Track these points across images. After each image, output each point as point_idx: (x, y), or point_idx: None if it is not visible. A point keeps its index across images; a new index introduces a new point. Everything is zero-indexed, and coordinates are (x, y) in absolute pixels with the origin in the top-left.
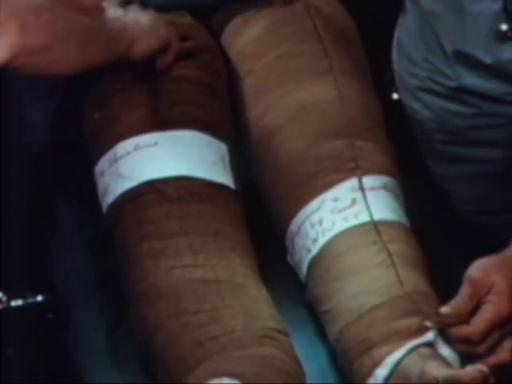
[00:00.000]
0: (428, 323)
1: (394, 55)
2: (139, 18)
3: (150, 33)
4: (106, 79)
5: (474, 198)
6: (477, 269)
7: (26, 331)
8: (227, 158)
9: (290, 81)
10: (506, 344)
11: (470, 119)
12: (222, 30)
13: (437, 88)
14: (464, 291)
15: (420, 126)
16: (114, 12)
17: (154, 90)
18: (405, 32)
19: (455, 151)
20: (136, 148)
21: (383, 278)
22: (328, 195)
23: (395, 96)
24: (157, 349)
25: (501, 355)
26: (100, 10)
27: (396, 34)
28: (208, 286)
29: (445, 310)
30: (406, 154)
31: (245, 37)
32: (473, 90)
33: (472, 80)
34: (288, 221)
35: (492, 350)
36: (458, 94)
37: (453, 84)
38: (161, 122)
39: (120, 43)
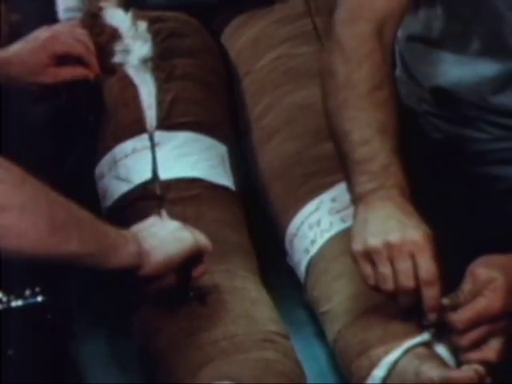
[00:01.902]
0: (425, 322)
1: (399, 74)
2: (156, 229)
3: (170, 244)
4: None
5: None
6: (480, 264)
7: (25, 331)
8: (227, 160)
9: (289, 81)
10: (493, 343)
11: (485, 144)
12: (221, 30)
13: (449, 115)
14: (465, 286)
15: (432, 146)
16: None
17: (155, 88)
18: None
19: (471, 170)
20: (134, 150)
21: None
22: (326, 196)
23: None
24: (157, 352)
25: (485, 353)
26: None
27: (398, 51)
28: (208, 289)
29: (445, 301)
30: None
31: (244, 37)
32: (486, 120)
33: (482, 113)
34: (287, 222)
35: (476, 345)
36: (472, 121)
37: (467, 113)
38: (161, 121)
39: (116, 255)
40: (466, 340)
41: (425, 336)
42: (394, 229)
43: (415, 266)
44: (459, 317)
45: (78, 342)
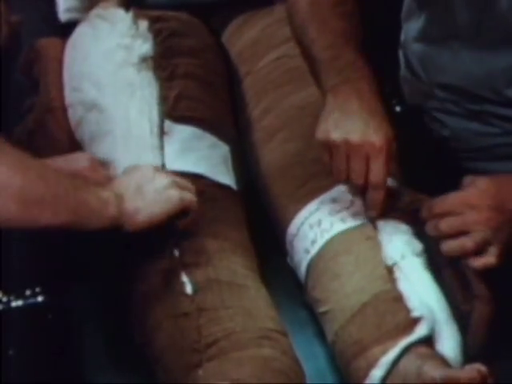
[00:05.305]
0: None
1: (404, 74)
2: (145, 187)
3: (154, 206)
4: None
5: None
6: (470, 177)
7: (26, 331)
8: (229, 159)
9: (290, 82)
10: (474, 235)
11: (493, 138)
12: (222, 30)
13: (457, 110)
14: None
15: (441, 144)
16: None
17: (157, 87)
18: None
19: (478, 166)
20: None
21: (373, 274)
22: (326, 196)
23: (398, 108)
24: (155, 351)
25: (463, 241)
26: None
27: (402, 53)
28: (208, 286)
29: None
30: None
31: (244, 37)
32: (495, 113)
33: (491, 107)
34: (287, 222)
35: (454, 236)
36: (480, 115)
37: (475, 107)
38: (168, 114)
39: (93, 221)
40: (444, 224)
41: (419, 332)
42: (357, 128)
43: (368, 168)
44: (435, 201)
45: (78, 342)
